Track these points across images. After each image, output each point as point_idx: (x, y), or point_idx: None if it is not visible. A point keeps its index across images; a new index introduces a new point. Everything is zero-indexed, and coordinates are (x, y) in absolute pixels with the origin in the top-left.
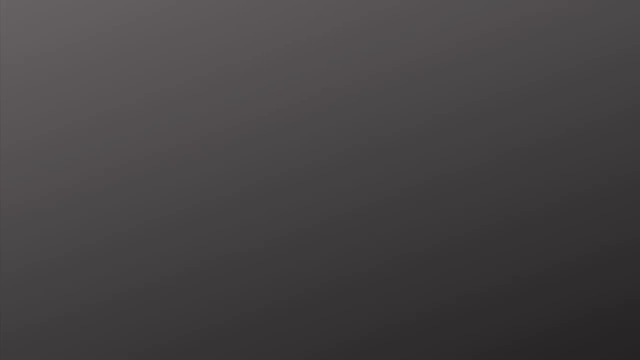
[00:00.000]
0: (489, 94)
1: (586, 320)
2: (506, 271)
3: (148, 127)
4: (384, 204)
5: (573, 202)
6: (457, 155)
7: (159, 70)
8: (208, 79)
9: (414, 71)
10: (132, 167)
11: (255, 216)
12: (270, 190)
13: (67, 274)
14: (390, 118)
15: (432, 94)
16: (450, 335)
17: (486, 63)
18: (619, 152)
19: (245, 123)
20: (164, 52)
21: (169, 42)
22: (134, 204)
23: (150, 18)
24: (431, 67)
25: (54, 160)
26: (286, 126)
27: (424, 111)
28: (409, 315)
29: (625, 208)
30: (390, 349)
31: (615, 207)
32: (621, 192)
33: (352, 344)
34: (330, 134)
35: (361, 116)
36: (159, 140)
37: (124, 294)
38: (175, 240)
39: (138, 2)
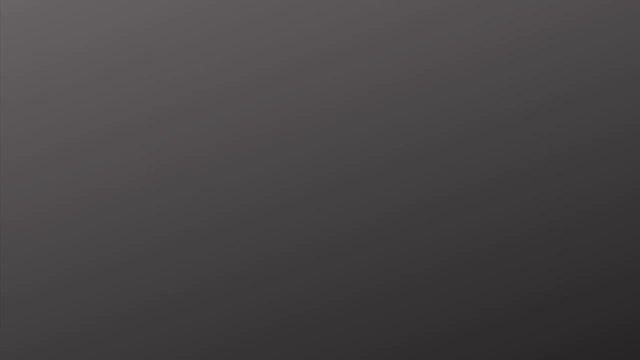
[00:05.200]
0: (502, 107)
1: (596, 338)
2: (518, 287)
3: (154, 140)
4: (391, 220)
5: (584, 218)
6: (467, 169)
7: (167, 81)
8: (216, 90)
9: (424, 84)
10: (139, 181)
11: (266, 230)
12: (277, 204)
13: (74, 288)
14: (399, 131)
15: (443, 106)
16: (462, 351)
17: (498, 75)
18: (633, 165)
19: (253, 135)
20: (171, 64)
21: (177, 53)
22: (140, 218)
23: (157, 29)
24: (443, 80)
25: (57, 173)
26: (293, 140)
27: (434, 124)
28: (416, 332)
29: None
30: None
31: (628, 221)
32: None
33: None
34: (337, 148)
35: (368, 130)
36: (166, 153)
37: (125, 312)
38: (185, 254)
39: (145, 14)
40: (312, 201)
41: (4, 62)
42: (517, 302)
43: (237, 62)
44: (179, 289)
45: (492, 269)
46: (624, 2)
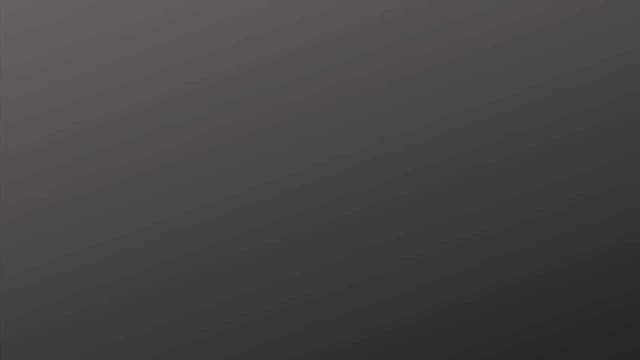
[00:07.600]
0: (493, 97)
1: (586, 323)
2: (510, 274)
3: (149, 130)
4: (386, 207)
5: (574, 205)
6: (459, 158)
7: (161, 73)
8: (211, 81)
9: (417, 74)
10: (134, 170)
11: (258, 219)
12: (274, 192)
13: (70, 277)
14: (392, 121)
15: (436, 96)
16: (453, 338)
17: (490, 66)
18: (622, 155)
19: (246, 126)
20: (166, 55)
21: (171, 44)
22: (137, 206)
23: (152, 20)
24: (435, 69)
25: (56, 162)
26: (288, 129)
27: (426, 114)
28: (410, 318)
29: (629, 211)
30: (393, 351)
31: (617, 210)
32: (625, 194)
33: (355, 346)
34: (331, 137)
35: (363, 119)
36: (160, 143)
37: (127, 297)
38: (179, 243)
39: (140, 5)
40: (299, 193)
41: None
42: (508, 288)
43: (223, 55)
44: (172, 277)
45: (483, 256)
46: None
